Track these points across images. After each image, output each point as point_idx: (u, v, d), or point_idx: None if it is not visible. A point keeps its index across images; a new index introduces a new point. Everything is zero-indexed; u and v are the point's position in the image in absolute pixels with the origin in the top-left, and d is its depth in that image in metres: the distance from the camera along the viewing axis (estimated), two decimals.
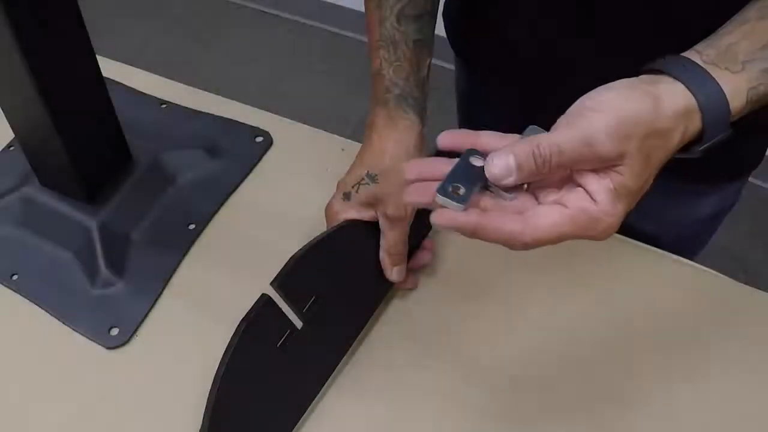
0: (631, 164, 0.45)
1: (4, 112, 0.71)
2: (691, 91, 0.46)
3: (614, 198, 0.45)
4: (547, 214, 0.45)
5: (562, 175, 0.47)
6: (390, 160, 0.64)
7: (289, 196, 0.78)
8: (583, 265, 0.71)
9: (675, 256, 0.72)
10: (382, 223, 0.65)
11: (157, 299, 0.71)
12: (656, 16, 0.64)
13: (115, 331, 0.68)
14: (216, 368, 0.66)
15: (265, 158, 0.82)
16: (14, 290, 0.72)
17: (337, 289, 0.62)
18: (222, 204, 0.78)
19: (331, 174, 0.79)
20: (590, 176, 0.46)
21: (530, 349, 0.66)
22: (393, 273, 0.66)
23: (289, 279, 0.59)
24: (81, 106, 0.70)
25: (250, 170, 0.81)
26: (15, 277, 0.73)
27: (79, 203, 0.75)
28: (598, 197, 0.45)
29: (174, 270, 0.73)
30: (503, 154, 0.45)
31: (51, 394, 0.65)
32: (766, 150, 0.78)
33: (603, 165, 0.45)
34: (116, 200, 0.75)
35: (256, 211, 0.78)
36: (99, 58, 0.70)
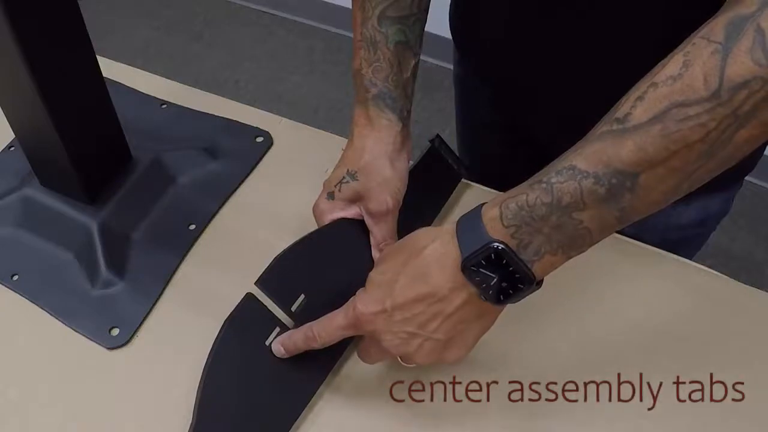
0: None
1: (4, 112, 0.71)
2: (457, 222, 0.52)
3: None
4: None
5: None
6: (369, 156, 0.65)
7: (290, 196, 0.78)
8: (582, 264, 0.71)
9: (675, 256, 0.72)
10: (367, 220, 0.66)
11: (157, 299, 0.71)
12: (610, 13, 0.65)
13: (115, 332, 0.68)
14: None
15: (266, 158, 0.82)
16: (14, 290, 0.72)
17: (330, 288, 0.62)
18: (222, 204, 0.78)
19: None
20: None
21: (529, 348, 0.66)
22: None
23: (272, 277, 0.60)
24: (81, 106, 0.70)
25: (251, 170, 0.81)
26: (15, 278, 0.73)
27: (79, 203, 0.75)
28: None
29: (174, 270, 0.73)
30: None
31: (51, 395, 0.65)
32: (750, 163, 0.77)
33: None
34: (116, 200, 0.75)
35: (256, 211, 0.78)
36: (99, 58, 0.70)
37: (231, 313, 0.58)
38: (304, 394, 0.63)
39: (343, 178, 0.66)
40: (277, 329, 0.61)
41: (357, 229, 0.67)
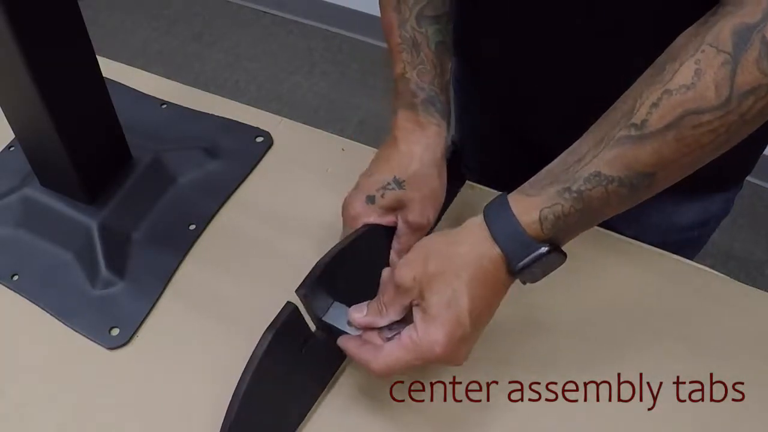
0: (428, 287, 0.53)
1: (4, 112, 0.71)
2: (485, 221, 0.54)
3: (425, 321, 0.53)
4: (389, 346, 0.55)
5: (406, 308, 0.56)
6: (418, 165, 0.63)
7: (289, 196, 0.78)
8: (583, 264, 0.71)
9: (675, 256, 0.72)
10: (402, 228, 0.64)
11: (157, 299, 0.71)
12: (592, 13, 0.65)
13: (115, 332, 0.68)
14: (214, 368, 0.66)
15: (266, 158, 0.82)
16: (14, 290, 0.72)
17: (352, 294, 0.61)
18: (222, 204, 0.78)
19: (331, 174, 0.79)
20: (415, 310, 0.55)
21: (529, 348, 0.66)
22: None
23: (314, 286, 0.58)
24: (81, 106, 0.70)
25: (251, 170, 0.81)
26: (15, 278, 0.73)
27: (79, 203, 0.75)
28: (417, 324, 0.54)
29: (174, 270, 0.73)
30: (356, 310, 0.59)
31: (51, 395, 0.65)
32: (750, 164, 0.78)
33: (411, 295, 0.55)
34: (116, 200, 0.75)
35: (256, 211, 0.78)
36: (99, 58, 0.70)
37: (274, 323, 0.56)
38: (309, 398, 0.63)
39: (388, 184, 0.63)
40: (305, 337, 0.60)
41: (385, 237, 0.65)
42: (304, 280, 0.58)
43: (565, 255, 0.54)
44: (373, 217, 0.63)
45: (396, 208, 0.63)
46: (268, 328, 0.56)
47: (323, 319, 0.60)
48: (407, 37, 0.65)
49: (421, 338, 0.53)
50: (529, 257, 0.52)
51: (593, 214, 0.52)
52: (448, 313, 0.53)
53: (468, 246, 0.54)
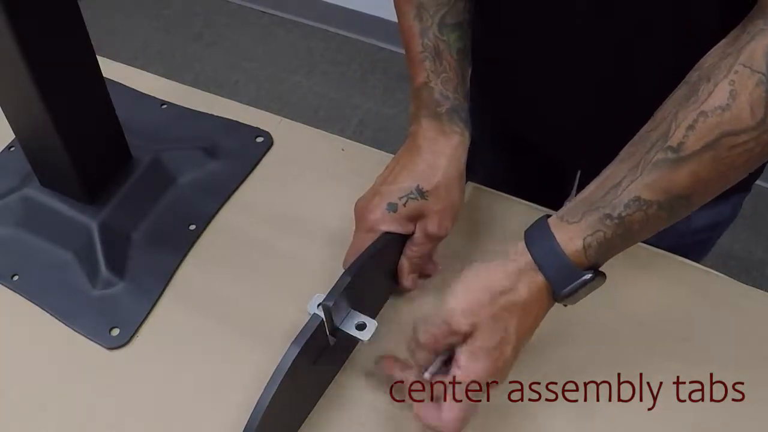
0: (482, 328, 0.54)
1: (4, 112, 0.71)
2: (528, 249, 0.54)
3: (472, 358, 0.54)
4: (450, 407, 0.55)
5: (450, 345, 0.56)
6: (443, 177, 0.63)
7: (289, 196, 0.78)
8: None
9: (675, 256, 0.72)
10: (419, 237, 0.64)
11: (157, 299, 0.71)
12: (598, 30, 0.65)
13: (115, 332, 0.68)
14: (213, 368, 0.66)
15: (266, 158, 0.82)
16: (14, 290, 0.72)
17: (363, 300, 0.61)
18: (222, 204, 0.78)
19: (331, 174, 0.79)
20: (459, 347, 0.55)
21: (529, 348, 0.66)
22: (409, 280, 0.67)
23: (338, 299, 0.58)
24: (81, 106, 0.70)
25: (251, 170, 0.81)
26: (15, 278, 0.73)
27: (79, 203, 0.75)
28: (461, 360, 0.54)
29: (174, 270, 0.73)
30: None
31: (52, 395, 0.65)
32: (758, 171, 0.78)
33: (461, 336, 0.55)
34: (116, 200, 0.75)
35: (256, 211, 0.78)
36: (99, 58, 0.70)
37: (301, 337, 0.56)
38: (312, 399, 0.63)
39: (411, 193, 0.63)
40: (323, 347, 0.60)
41: (399, 243, 0.65)
42: (330, 292, 0.57)
43: (605, 276, 0.55)
44: (393, 225, 0.63)
45: (416, 217, 0.63)
46: (294, 341, 0.55)
47: (340, 327, 0.60)
48: (429, 45, 0.65)
49: (466, 373, 0.54)
50: (573, 284, 0.54)
51: (633, 237, 0.54)
52: (497, 351, 0.54)
53: (525, 289, 0.54)
